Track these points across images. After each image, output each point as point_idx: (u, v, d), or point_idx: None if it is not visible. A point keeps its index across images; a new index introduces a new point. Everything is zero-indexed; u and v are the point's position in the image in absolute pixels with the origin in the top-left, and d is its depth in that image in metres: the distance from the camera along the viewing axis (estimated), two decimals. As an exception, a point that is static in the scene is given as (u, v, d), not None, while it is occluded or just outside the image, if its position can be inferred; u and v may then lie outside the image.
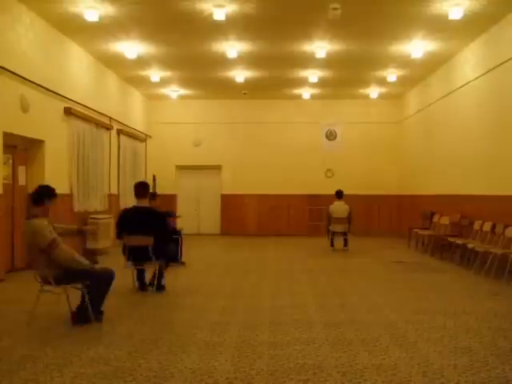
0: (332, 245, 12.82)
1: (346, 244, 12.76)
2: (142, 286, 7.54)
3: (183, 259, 10.19)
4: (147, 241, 7.05)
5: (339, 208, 12.60)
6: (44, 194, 5.62)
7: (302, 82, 14.84)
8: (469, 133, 11.17)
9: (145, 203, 7.50)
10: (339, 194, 12.83)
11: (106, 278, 5.75)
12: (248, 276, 9.06)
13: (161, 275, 7.44)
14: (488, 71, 10.20)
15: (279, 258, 11.65)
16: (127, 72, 13.67)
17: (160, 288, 7.43)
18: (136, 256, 7.22)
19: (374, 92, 16.10)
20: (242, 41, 10.91)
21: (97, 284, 5.60)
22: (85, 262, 5.67)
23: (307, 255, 12.01)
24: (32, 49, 9.33)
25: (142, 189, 7.54)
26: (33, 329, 5.43)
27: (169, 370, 4.17)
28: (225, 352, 4.65)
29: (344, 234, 12.68)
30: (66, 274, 5.45)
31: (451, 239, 10.69)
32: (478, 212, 10.42)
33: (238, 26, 9.90)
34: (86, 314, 5.53)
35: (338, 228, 12.62)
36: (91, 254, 10.43)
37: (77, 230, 6.72)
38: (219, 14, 8.90)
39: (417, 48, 11.14)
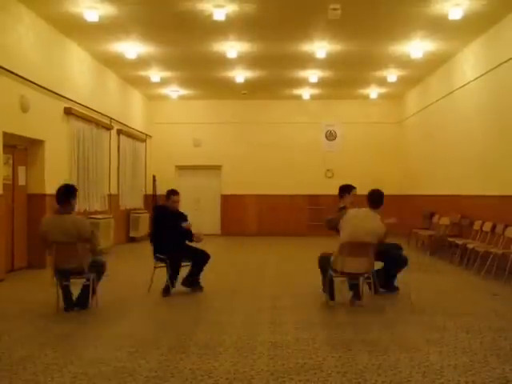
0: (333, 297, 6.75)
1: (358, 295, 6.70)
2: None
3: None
4: None
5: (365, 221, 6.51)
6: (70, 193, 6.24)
7: (302, 82, 14.83)
8: (469, 133, 11.17)
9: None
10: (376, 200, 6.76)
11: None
12: (248, 276, 9.06)
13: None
14: (488, 71, 10.19)
15: (280, 258, 11.64)
16: (127, 72, 13.66)
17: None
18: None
19: (373, 92, 16.09)
20: (242, 41, 10.90)
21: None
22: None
23: (307, 255, 11.98)
24: (32, 49, 9.32)
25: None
26: (33, 329, 5.43)
27: (169, 370, 4.17)
28: (224, 352, 4.65)
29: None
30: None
31: (451, 239, 10.69)
32: (478, 212, 10.42)
33: (237, 26, 9.89)
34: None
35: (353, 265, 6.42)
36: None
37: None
38: (219, 14, 8.90)
39: (417, 48, 11.13)
